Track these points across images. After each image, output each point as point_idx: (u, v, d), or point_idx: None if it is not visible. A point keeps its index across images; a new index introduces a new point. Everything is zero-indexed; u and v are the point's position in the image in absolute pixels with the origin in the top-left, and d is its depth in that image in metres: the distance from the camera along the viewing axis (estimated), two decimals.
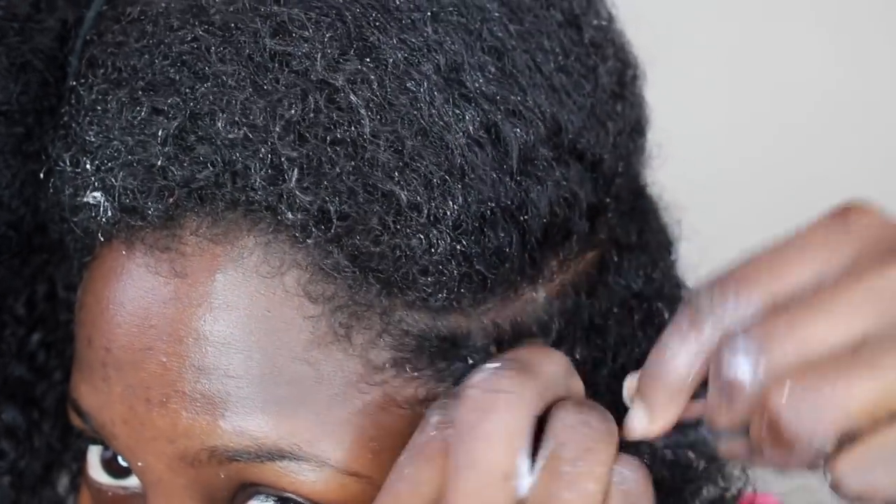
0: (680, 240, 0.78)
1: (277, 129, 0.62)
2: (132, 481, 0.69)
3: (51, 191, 0.67)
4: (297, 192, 0.62)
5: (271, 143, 0.63)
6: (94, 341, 0.66)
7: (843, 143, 1.33)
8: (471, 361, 0.66)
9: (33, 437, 0.77)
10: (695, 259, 0.77)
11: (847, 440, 0.58)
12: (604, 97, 0.70)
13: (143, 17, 0.66)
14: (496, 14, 0.67)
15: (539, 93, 0.67)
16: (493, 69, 0.66)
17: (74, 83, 0.67)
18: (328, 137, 0.63)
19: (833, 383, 0.57)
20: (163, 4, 0.66)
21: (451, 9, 0.66)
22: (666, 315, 0.73)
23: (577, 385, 0.65)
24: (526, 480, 0.60)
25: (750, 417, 0.59)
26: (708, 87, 1.36)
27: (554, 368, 0.63)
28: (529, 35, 0.68)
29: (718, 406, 0.59)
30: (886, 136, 1.35)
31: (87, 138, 0.65)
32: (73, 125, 0.66)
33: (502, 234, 0.65)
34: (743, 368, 0.58)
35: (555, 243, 0.68)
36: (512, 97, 0.66)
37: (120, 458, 0.69)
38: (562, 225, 0.68)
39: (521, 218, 0.66)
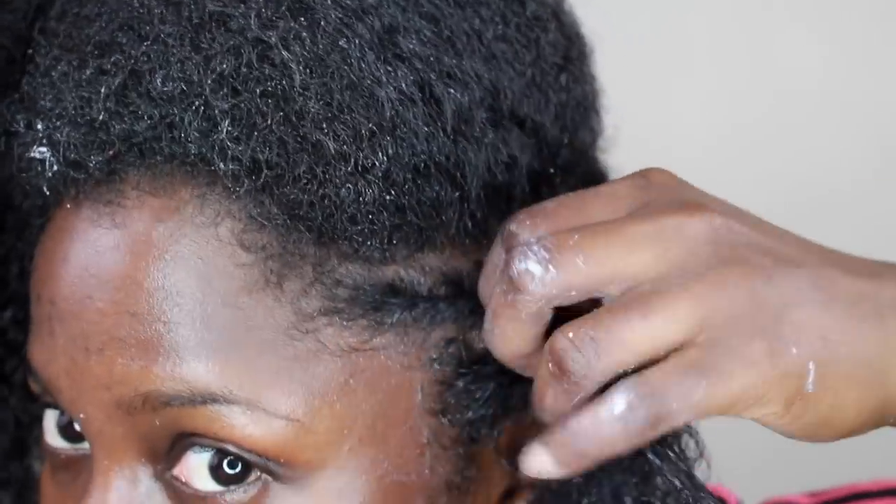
0: None
1: (210, 83, 0.65)
2: (85, 444, 0.71)
3: (2, 149, 0.70)
4: (229, 143, 0.65)
5: (204, 96, 0.65)
6: (41, 297, 0.69)
7: (827, 136, 1.33)
8: (418, 309, 0.67)
9: (1, 412, 0.79)
10: None
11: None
12: (545, 67, 0.72)
13: None
14: None
15: (476, 59, 0.69)
16: (428, 34, 0.68)
17: (32, 52, 0.70)
18: (259, 90, 0.65)
19: (610, 329, 0.62)
20: None
21: None
22: None
23: None
24: None
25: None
26: (691, 78, 1.37)
27: None
28: (468, 4, 0.70)
29: (502, 302, 0.64)
30: (875, 123, 1.35)
31: (40, 101, 0.68)
32: (28, 90, 0.69)
33: (437, 188, 0.67)
34: (531, 265, 0.63)
35: (498, 206, 0.69)
36: (447, 60, 0.68)
37: (75, 424, 0.71)
38: (503, 188, 0.69)
39: (458, 175, 0.67)
